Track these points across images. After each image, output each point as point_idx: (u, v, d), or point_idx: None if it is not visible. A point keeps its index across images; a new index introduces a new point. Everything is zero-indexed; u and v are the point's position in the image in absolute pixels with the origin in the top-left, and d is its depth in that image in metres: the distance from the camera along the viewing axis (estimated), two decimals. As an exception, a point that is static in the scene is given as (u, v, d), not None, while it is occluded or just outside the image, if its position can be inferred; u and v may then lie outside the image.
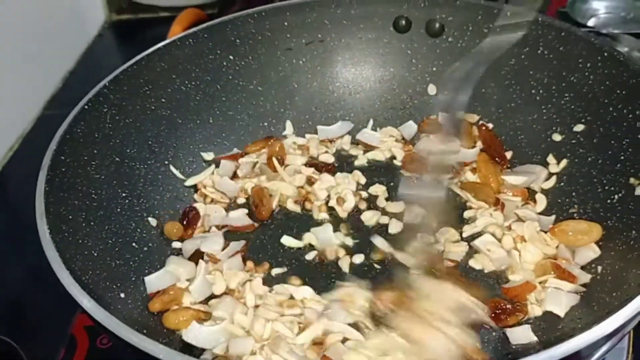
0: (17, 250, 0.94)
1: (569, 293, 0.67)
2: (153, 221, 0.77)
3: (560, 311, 0.66)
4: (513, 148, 0.84)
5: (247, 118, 0.89)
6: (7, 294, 0.87)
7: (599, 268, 0.68)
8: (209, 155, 0.86)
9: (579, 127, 0.77)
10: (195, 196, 0.83)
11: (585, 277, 0.67)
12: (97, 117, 0.73)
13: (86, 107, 0.72)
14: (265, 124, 0.90)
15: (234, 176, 0.85)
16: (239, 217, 0.79)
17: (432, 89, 0.89)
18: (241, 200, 0.83)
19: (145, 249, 0.74)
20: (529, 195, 0.79)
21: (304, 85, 0.91)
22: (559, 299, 0.66)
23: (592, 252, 0.70)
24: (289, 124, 0.90)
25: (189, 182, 0.83)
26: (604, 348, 0.54)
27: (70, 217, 0.65)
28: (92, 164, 0.72)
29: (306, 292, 0.69)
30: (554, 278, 0.68)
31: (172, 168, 0.82)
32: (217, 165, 0.85)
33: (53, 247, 0.55)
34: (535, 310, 0.66)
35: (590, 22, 1.12)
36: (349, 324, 0.65)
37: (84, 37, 1.41)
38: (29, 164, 0.68)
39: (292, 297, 0.69)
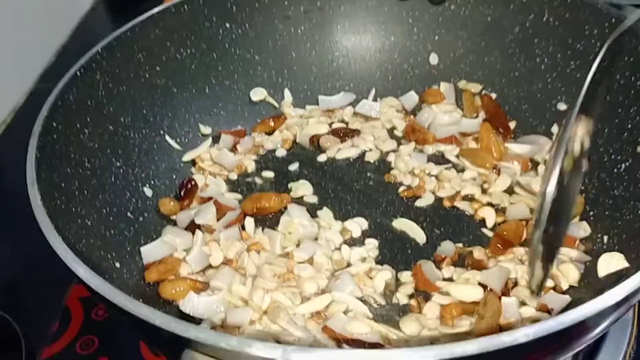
0: (11, 227, 0.92)
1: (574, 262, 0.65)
2: (149, 191, 0.76)
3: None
4: (517, 118, 0.82)
5: (244, 88, 0.87)
6: (1, 268, 0.86)
7: (605, 238, 0.66)
8: (206, 129, 0.84)
9: (585, 96, 0.75)
10: (193, 169, 0.82)
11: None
12: (89, 84, 0.71)
13: (78, 73, 0.70)
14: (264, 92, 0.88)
15: (233, 149, 0.84)
16: (230, 201, 0.77)
17: (433, 58, 0.87)
18: (233, 176, 0.81)
19: (141, 218, 0.73)
20: (532, 166, 0.77)
21: (303, 54, 0.89)
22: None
23: (582, 230, 0.69)
24: (287, 92, 0.88)
25: (187, 157, 0.82)
26: (610, 318, 0.52)
27: (63, 184, 0.63)
28: (85, 132, 0.70)
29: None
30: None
31: (167, 138, 0.80)
32: (215, 139, 0.84)
33: (44, 213, 0.54)
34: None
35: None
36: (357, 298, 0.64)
37: (76, 11, 1.39)
38: (22, 138, 0.66)
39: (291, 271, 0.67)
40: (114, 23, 1.43)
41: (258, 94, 0.87)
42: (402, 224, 0.73)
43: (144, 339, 0.66)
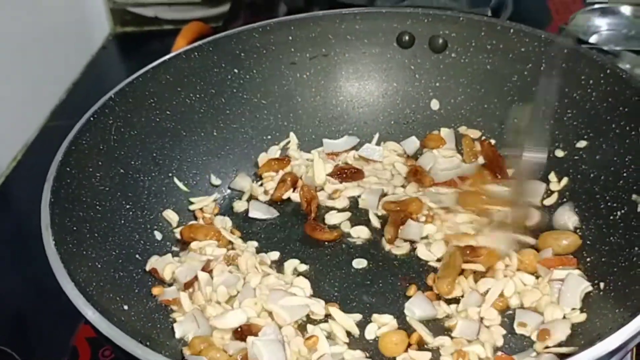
0: (20, 261, 0.94)
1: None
2: (159, 235, 0.78)
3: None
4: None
5: (250, 131, 0.89)
6: (9, 304, 0.88)
7: (602, 284, 0.68)
8: (216, 180, 0.86)
9: (582, 144, 0.78)
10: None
11: None
12: (102, 128, 0.74)
13: (92, 118, 0.72)
14: (269, 137, 0.90)
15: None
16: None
17: (435, 104, 0.90)
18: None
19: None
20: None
21: (308, 99, 0.91)
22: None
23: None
24: (292, 135, 0.90)
25: (193, 207, 0.83)
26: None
27: (75, 228, 0.65)
28: (97, 175, 0.72)
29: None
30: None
31: (175, 180, 0.83)
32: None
33: (58, 259, 0.56)
34: None
35: (592, 39, 1.13)
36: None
37: (88, 49, 1.42)
38: (32, 175, 0.68)
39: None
40: (125, 61, 1.47)
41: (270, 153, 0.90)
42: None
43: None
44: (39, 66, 1.23)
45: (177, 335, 0.66)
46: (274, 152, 0.90)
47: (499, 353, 0.64)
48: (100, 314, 0.53)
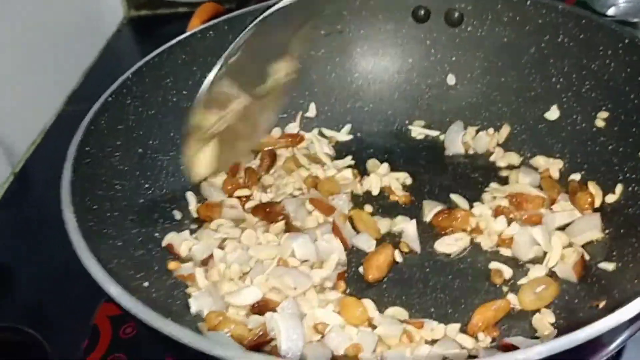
0: (40, 244, 0.95)
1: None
2: (178, 214, 0.78)
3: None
4: (533, 137, 0.84)
5: (268, 108, 0.89)
6: (30, 287, 0.89)
7: (617, 256, 0.67)
8: None
9: (601, 115, 0.77)
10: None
11: None
12: (120, 108, 0.74)
13: (110, 98, 0.73)
14: (285, 115, 0.90)
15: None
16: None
17: (451, 79, 0.89)
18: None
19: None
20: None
21: (323, 76, 0.91)
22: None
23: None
24: (312, 106, 0.90)
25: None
26: (624, 334, 0.54)
27: (95, 207, 0.66)
28: (116, 155, 0.73)
29: None
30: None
31: (194, 159, 0.83)
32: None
33: (80, 236, 0.56)
34: None
35: (610, 12, 1.11)
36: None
37: (103, 33, 1.43)
38: (51, 158, 0.69)
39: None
40: (140, 44, 1.46)
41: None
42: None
43: (172, 356, 0.68)
44: (55, 52, 1.24)
45: (193, 310, 0.67)
46: (292, 128, 0.90)
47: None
48: (122, 289, 0.53)
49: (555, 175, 0.79)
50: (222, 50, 0.83)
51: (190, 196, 0.81)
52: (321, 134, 0.91)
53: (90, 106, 0.73)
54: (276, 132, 0.90)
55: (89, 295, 0.68)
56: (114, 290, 0.53)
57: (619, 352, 0.68)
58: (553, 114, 0.82)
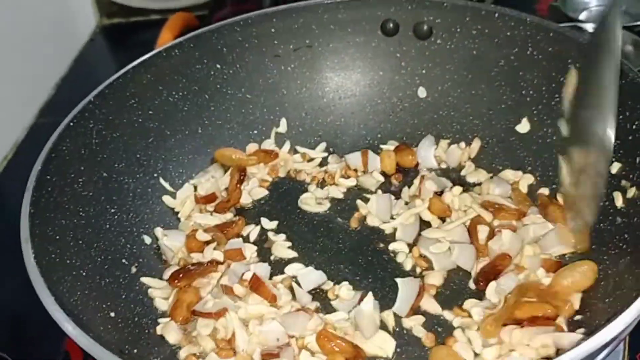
0: (12, 262, 0.93)
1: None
2: (147, 239, 0.77)
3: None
4: (505, 150, 0.83)
5: (236, 127, 0.88)
6: (2, 307, 0.87)
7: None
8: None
9: (570, 129, 0.76)
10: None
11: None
12: (83, 133, 0.73)
13: (71, 124, 0.71)
14: (255, 132, 0.89)
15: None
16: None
17: (422, 92, 0.88)
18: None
19: (136, 264, 0.74)
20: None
21: (294, 91, 0.90)
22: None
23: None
24: (283, 121, 0.90)
25: (170, 202, 0.82)
26: (600, 356, 0.54)
27: (58, 237, 0.64)
28: (80, 181, 0.71)
29: None
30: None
31: (161, 181, 0.82)
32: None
33: (38, 273, 0.55)
34: None
35: (582, 16, 1.11)
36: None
37: (75, 42, 1.41)
38: (23, 173, 0.67)
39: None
40: (113, 53, 1.45)
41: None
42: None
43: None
44: (25, 63, 1.22)
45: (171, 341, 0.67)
46: (268, 145, 0.89)
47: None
48: (81, 327, 0.52)
49: (524, 189, 0.79)
50: (187, 69, 0.83)
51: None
52: (295, 151, 0.90)
53: (64, 119, 0.72)
54: (252, 147, 0.89)
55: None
56: (71, 329, 0.52)
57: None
58: (524, 126, 0.82)
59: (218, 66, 0.86)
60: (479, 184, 0.82)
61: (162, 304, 0.71)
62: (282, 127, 0.90)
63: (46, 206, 0.65)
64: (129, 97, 0.79)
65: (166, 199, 0.82)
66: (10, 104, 1.16)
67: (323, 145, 0.90)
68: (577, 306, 0.65)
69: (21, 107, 1.22)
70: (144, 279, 0.73)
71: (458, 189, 0.80)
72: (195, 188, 0.84)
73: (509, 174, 0.81)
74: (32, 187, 0.64)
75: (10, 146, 1.17)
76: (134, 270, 0.73)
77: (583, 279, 0.66)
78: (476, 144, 0.85)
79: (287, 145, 0.89)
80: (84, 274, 0.65)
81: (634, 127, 0.68)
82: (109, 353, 0.49)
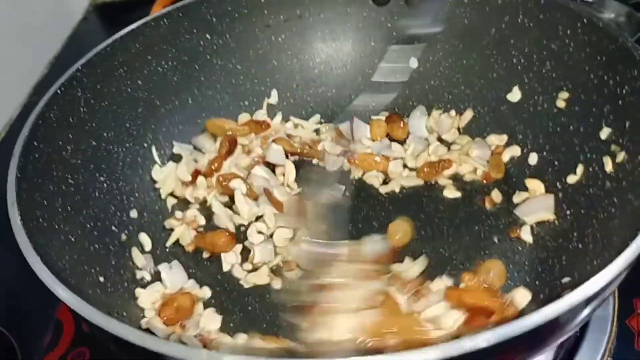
0: (6, 237, 0.93)
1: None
2: (134, 213, 0.77)
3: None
4: (496, 119, 0.83)
5: (227, 97, 0.88)
6: (-3, 279, 0.87)
7: (579, 242, 0.67)
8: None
9: (562, 96, 0.76)
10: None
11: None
12: (71, 101, 0.72)
13: (59, 91, 0.71)
14: (246, 102, 0.89)
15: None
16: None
17: (413, 62, 0.88)
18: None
19: (126, 231, 0.74)
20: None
21: (284, 62, 0.90)
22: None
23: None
24: (274, 92, 0.89)
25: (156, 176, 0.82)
26: (584, 313, 0.53)
27: (46, 202, 0.64)
28: (68, 149, 0.71)
29: None
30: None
31: (153, 150, 0.82)
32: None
33: (24, 234, 0.55)
34: None
35: (574, -15, 1.10)
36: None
37: (68, 21, 1.40)
38: None
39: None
40: (107, 31, 1.43)
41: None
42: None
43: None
44: (19, 42, 1.21)
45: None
46: (260, 116, 0.89)
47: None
48: (71, 289, 0.52)
49: (505, 158, 0.80)
50: (176, 39, 0.82)
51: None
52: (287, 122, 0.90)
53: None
54: (244, 117, 0.88)
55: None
56: (61, 291, 0.52)
57: (582, 331, 0.68)
58: (515, 95, 0.81)
59: (208, 36, 0.85)
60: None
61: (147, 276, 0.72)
62: (274, 98, 0.90)
63: (34, 172, 0.64)
64: (117, 66, 0.78)
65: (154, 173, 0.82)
66: (3, 83, 1.16)
67: (316, 117, 0.90)
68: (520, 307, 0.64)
69: (14, 87, 1.21)
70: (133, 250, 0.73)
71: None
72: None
73: (493, 138, 0.82)
74: (19, 152, 0.63)
75: (4, 125, 1.17)
76: (124, 237, 0.73)
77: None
78: (468, 114, 0.85)
79: (279, 116, 0.89)
80: (73, 239, 0.65)
81: (624, 91, 0.67)
82: (98, 312, 0.48)
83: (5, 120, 1.17)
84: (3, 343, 0.78)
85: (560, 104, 0.76)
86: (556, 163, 0.76)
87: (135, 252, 0.73)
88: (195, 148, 0.86)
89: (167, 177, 0.81)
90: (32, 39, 1.26)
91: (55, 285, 0.52)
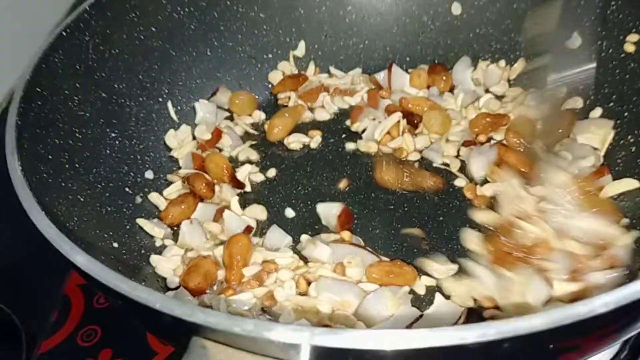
0: (7, 212, 0.86)
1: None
2: (149, 174, 0.69)
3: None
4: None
5: (249, 49, 0.80)
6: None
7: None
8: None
9: (631, 38, 0.68)
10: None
11: None
12: (77, 45, 0.64)
13: (64, 33, 0.62)
14: (270, 55, 0.81)
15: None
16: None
17: (456, 8, 0.79)
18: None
19: (141, 194, 0.66)
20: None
21: (312, 10, 0.81)
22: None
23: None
24: (301, 44, 0.81)
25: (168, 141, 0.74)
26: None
27: (50, 156, 0.56)
28: (75, 99, 0.63)
29: None
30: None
31: (169, 106, 0.74)
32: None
33: (25, 186, 0.47)
34: None
35: None
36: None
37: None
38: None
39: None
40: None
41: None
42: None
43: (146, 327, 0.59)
44: (21, 10, 1.14)
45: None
46: (286, 68, 0.81)
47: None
48: (81, 248, 0.43)
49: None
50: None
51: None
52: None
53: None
54: (276, 76, 0.81)
55: (59, 263, 0.59)
56: (68, 249, 0.43)
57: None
58: (574, 41, 0.72)
59: (228, -21, 0.77)
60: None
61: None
62: (300, 50, 0.81)
63: (36, 121, 0.56)
64: (128, 10, 0.70)
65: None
66: (4, 52, 1.09)
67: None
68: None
69: (17, 56, 1.14)
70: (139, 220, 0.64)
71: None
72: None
73: (550, 90, 0.73)
74: (20, 97, 0.55)
75: (5, 95, 1.10)
76: (139, 200, 0.66)
77: None
78: (520, 65, 0.76)
79: (311, 67, 0.81)
80: (82, 199, 0.57)
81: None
82: (114, 273, 0.40)
83: (7, 89, 1.10)
84: (4, 322, 0.70)
85: (629, 48, 0.69)
86: (626, 115, 0.67)
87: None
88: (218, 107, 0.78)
89: (183, 143, 0.73)
90: (34, 8, 1.19)
91: (62, 242, 0.43)
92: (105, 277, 0.40)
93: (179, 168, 0.71)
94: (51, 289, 0.73)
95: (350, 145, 0.74)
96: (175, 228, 0.65)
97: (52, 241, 0.43)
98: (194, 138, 0.74)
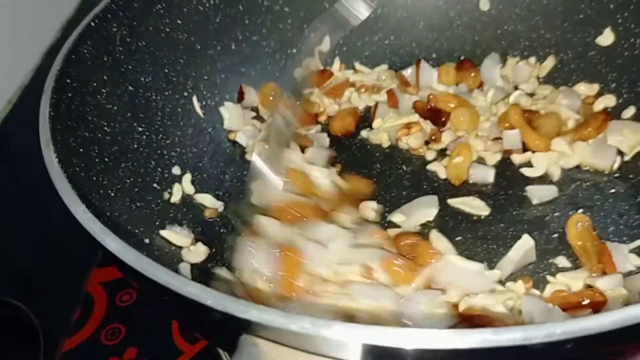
0: (20, 208, 0.84)
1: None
2: (177, 169, 0.68)
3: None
4: (583, 66, 0.73)
5: (273, 44, 0.78)
6: (14, 254, 0.78)
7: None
8: None
9: None
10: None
11: None
12: (105, 37, 0.63)
13: (92, 24, 0.61)
14: (294, 50, 0.79)
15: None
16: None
17: (484, 4, 0.78)
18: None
19: (169, 190, 0.64)
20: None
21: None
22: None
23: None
24: (326, 39, 0.79)
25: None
26: None
27: (81, 150, 0.54)
28: (103, 92, 0.61)
29: None
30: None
31: (194, 100, 0.72)
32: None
33: (64, 178, 0.45)
34: None
35: None
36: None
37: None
38: (30, 117, 0.57)
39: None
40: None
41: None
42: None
43: (192, 325, 0.57)
44: (30, 4, 1.12)
45: None
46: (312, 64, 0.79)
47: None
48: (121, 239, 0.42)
49: (598, 107, 0.70)
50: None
51: None
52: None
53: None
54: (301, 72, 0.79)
55: (79, 260, 0.58)
56: (113, 244, 0.41)
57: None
58: (606, 38, 0.72)
59: (254, -27, 0.75)
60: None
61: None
62: (325, 45, 0.79)
63: (67, 113, 0.54)
64: (155, 2, 0.68)
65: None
66: (14, 46, 1.07)
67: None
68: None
69: (26, 50, 1.12)
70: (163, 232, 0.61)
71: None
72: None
73: (582, 87, 0.72)
74: (51, 87, 0.53)
75: (15, 90, 1.08)
76: (166, 196, 0.64)
77: None
78: (550, 62, 0.75)
79: (337, 63, 0.79)
80: (112, 194, 0.55)
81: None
82: (162, 267, 0.38)
83: (17, 85, 1.08)
84: (21, 321, 0.68)
85: (665, 43, 0.67)
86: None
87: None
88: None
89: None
90: (44, 2, 1.16)
91: (106, 236, 0.42)
92: (154, 273, 0.38)
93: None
94: (70, 287, 0.71)
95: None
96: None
97: (96, 236, 0.41)
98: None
